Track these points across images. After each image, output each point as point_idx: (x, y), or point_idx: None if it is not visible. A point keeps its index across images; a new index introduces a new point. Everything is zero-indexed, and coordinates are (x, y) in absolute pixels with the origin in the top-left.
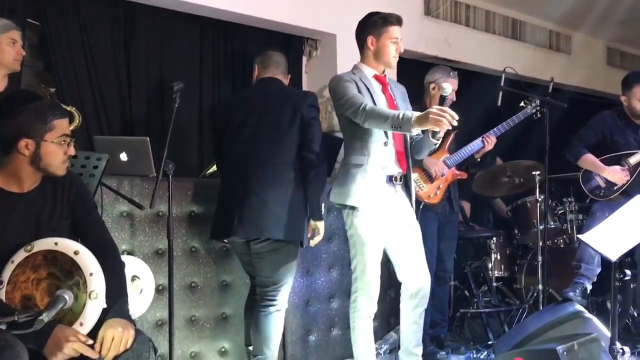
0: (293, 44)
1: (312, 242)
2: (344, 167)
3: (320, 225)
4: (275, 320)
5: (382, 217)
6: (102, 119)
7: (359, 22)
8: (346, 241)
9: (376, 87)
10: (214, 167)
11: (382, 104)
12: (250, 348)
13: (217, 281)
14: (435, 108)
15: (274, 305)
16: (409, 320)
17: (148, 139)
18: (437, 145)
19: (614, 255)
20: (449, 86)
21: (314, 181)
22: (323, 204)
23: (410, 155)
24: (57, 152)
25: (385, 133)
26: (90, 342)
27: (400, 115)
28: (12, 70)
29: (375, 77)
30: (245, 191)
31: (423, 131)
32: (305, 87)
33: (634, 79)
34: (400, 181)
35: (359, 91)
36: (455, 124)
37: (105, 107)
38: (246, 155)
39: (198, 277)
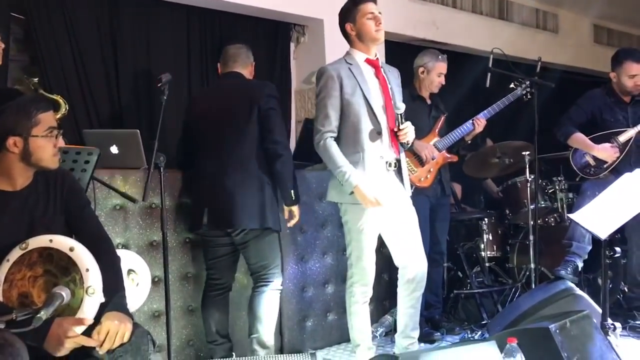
0: (280, 31)
1: (290, 224)
2: None
3: (295, 209)
4: (270, 299)
5: (379, 207)
6: (90, 111)
7: (338, 17)
8: (339, 227)
9: (367, 72)
10: None
11: (374, 89)
12: (213, 345)
13: None
14: (369, 196)
15: (267, 284)
16: (405, 305)
17: (138, 131)
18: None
19: (603, 234)
20: (402, 106)
21: (281, 170)
22: (293, 191)
23: None
24: (46, 145)
25: (377, 119)
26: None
27: (346, 175)
28: None
29: (367, 60)
30: (214, 186)
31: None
32: (293, 73)
33: (625, 55)
34: (395, 167)
35: (342, 85)
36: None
37: (93, 99)
38: (211, 151)
39: (193, 268)
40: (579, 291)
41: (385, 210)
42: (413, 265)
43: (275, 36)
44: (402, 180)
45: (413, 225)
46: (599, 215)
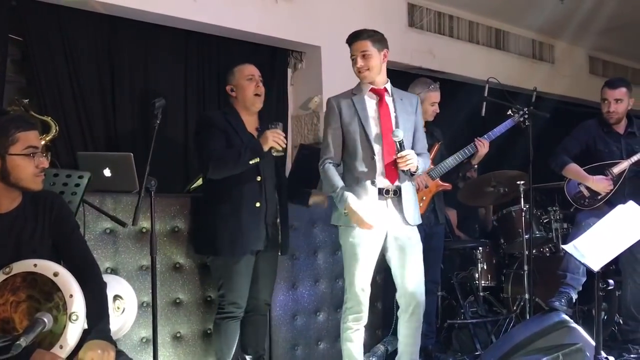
0: (278, 57)
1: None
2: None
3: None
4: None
5: (373, 233)
6: (86, 134)
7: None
8: (332, 253)
9: (369, 101)
10: (200, 181)
11: (372, 118)
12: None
13: (201, 297)
14: (362, 218)
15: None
16: (404, 333)
17: (132, 154)
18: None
19: (596, 266)
20: (400, 133)
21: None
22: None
23: None
24: (25, 165)
25: (371, 147)
26: None
27: (338, 196)
28: None
29: (372, 90)
30: None
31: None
32: (290, 99)
33: (604, 84)
34: (392, 194)
35: (341, 116)
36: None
37: (89, 122)
38: None
39: (182, 293)
40: (573, 323)
41: (384, 237)
42: (408, 296)
43: (272, 62)
44: (401, 208)
45: (413, 256)
46: (592, 247)
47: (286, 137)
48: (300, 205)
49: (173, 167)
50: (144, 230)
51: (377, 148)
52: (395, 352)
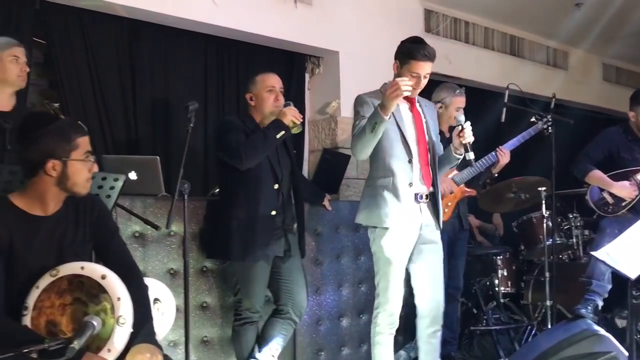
0: (296, 62)
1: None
2: (371, 189)
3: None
4: None
5: (408, 236)
6: (107, 136)
7: (398, 46)
8: (355, 259)
9: (402, 105)
10: None
11: (407, 120)
12: None
13: (228, 301)
14: (387, 85)
15: None
16: (424, 340)
17: (158, 158)
18: (458, 161)
19: (633, 274)
20: (461, 116)
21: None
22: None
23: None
24: (82, 170)
25: (409, 149)
26: None
27: (370, 116)
28: (18, 87)
29: (403, 96)
30: None
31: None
32: (308, 104)
33: None
34: (426, 199)
35: None
36: (409, 87)
37: (110, 124)
38: None
39: (209, 297)
40: (603, 331)
41: (413, 243)
42: (429, 302)
43: (290, 67)
44: (434, 213)
45: (437, 261)
46: (626, 254)
47: (303, 142)
48: (317, 206)
49: (193, 171)
50: (172, 233)
51: (414, 151)
52: (417, 358)
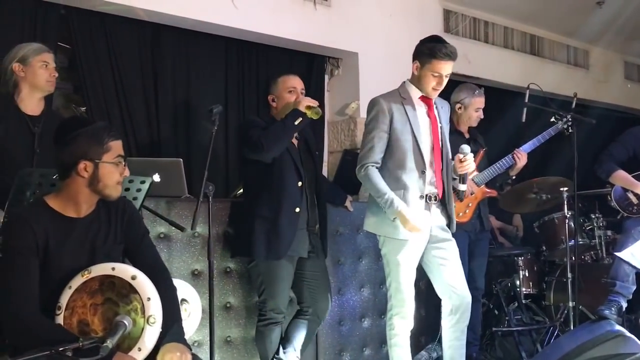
0: (315, 63)
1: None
2: None
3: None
4: None
5: (418, 240)
6: (130, 139)
7: (417, 45)
8: (377, 259)
9: (420, 109)
10: None
11: (424, 127)
12: None
13: (252, 301)
14: (413, 224)
15: None
16: (450, 337)
17: (181, 160)
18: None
19: None
20: (467, 149)
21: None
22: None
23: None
24: (113, 172)
25: (423, 160)
26: None
27: (388, 202)
28: (47, 92)
29: (422, 98)
30: None
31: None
32: (327, 105)
33: None
34: (435, 200)
35: (392, 121)
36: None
37: (133, 127)
38: None
39: (233, 297)
40: (627, 332)
41: (426, 242)
42: (455, 297)
43: (310, 68)
44: (445, 212)
45: (454, 257)
46: None
47: (322, 143)
48: (339, 207)
49: (214, 173)
50: (196, 235)
51: (427, 160)
52: (439, 359)
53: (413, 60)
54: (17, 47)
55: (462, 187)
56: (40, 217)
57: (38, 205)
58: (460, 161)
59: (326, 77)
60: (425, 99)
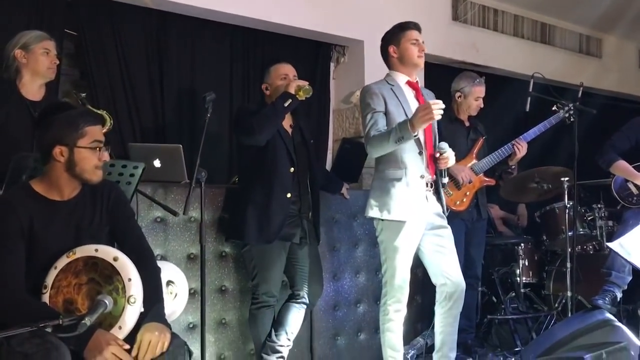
0: (321, 51)
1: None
2: (381, 181)
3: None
4: None
5: (416, 226)
6: (135, 125)
7: (381, 39)
8: (373, 246)
9: (408, 93)
10: None
11: (414, 109)
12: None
13: (246, 285)
14: (420, 106)
15: None
16: (442, 323)
17: (181, 146)
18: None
19: None
20: (445, 145)
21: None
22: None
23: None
24: (90, 157)
25: (419, 142)
26: (127, 347)
27: (397, 127)
28: (48, 79)
29: (409, 83)
30: None
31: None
32: (333, 93)
33: None
34: (431, 187)
35: (386, 103)
36: (441, 111)
37: (138, 113)
38: None
39: (228, 281)
40: (617, 322)
41: (421, 229)
42: (450, 283)
43: (316, 56)
44: (439, 200)
45: (449, 243)
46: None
47: (327, 131)
48: (336, 194)
49: (218, 159)
50: (192, 219)
51: (422, 142)
52: (434, 345)
53: (386, 50)
54: (19, 34)
55: (444, 180)
56: (24, 200)
57: (23, 189)
58: (440, 158)
59: (332, 65)
60: (412, 84)
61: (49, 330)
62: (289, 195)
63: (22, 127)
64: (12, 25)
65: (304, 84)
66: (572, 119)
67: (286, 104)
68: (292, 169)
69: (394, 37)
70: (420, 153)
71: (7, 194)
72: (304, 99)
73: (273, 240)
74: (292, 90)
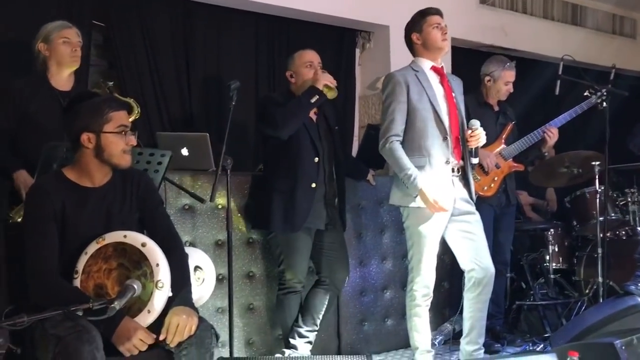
0: (346, 37)
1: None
2: None
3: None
4: None
5: (442, 212)
6: (163, 114)
7: (404, 29)
8: (399, 233)
9: (433, 79)
10: None
11: (439, 95)
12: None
13: (273, 271)
14: (433, 199)
15: None
16: (471, 309)
17: (207, 134)
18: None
19: None
20: (477, 123)
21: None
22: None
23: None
24: (117, 142)
25: (444, 126)
26: (154, 336)
27: (411, 178)
28: (73, 67)
29: (433, 68)
30: None
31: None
32: (358, 79)
33: None
34: (458, 172)
35: (409, 91)
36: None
37: (166, 102)
38: None
39: (255, 267)
40: None
41: (450, 214)
42: (478, 269)
43: (341, 42)
44: (467, 186)
45: (478, 229)
46: None
47: (353, 118)
48: (362, 181)
49: (245, 146)
50: (220, 206)
51: (447, 126)
52: (462, 331)
53: (409, 37)
54: (42, 27)
55: (474, 160)
56: (57, 187)
57: (56, 176)
58: (470, 135)
59: (357, 51)
60: (437, 69)
61: (79, 313)
62: (313, 185)
63: (53, 117)
64: (40, 16)
65: (333, 83)
66: (604, 105)
67: (313, 100)
68: (316, 159)
69: (415, 24)
70: (445, 139)
71: (40, 180)
72: (329, 98)
73: (298, 230)
74: (320, 86)
